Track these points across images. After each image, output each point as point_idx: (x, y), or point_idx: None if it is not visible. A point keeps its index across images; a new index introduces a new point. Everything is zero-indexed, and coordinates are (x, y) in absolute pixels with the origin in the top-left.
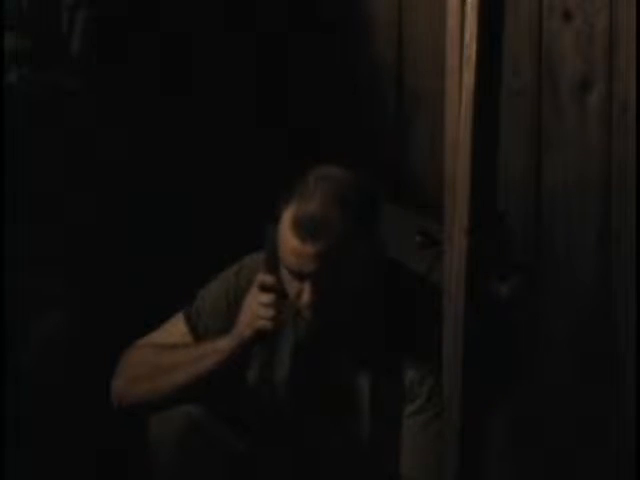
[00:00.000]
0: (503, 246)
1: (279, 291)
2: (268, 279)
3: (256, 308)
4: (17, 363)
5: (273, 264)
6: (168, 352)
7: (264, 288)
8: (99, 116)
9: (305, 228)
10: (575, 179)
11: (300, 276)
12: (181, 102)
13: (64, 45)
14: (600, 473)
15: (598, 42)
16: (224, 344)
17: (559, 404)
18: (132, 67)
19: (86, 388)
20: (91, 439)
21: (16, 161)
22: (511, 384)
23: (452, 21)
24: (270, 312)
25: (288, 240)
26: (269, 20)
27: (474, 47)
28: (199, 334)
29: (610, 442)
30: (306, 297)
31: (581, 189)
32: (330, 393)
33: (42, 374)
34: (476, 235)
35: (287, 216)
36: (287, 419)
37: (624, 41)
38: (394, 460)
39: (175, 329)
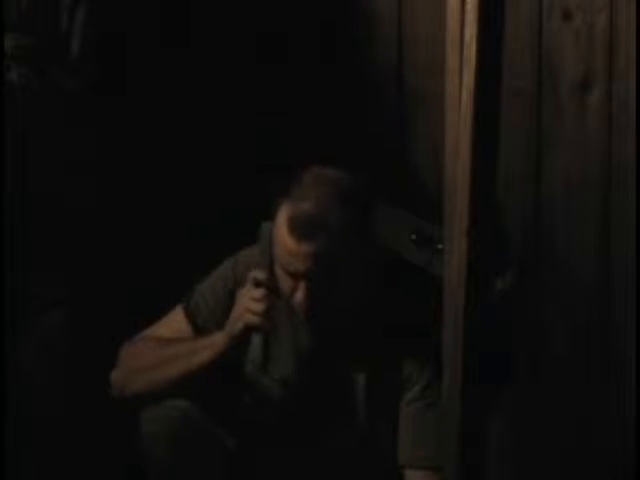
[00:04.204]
0: (500, 244)
1: (272, 287)
2: (261, 275)
3: (247, 302)
4: (17, 363)
5: (267, 261)
6: (167, 345)
7: (257, 284)
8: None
9: (301, 227)
10: (575, 179)
11: (295, 275)
12: (180, 98)
13: (64, 45)
14: (600, 473)
15: (598, 42)
16: (218, 338)
17: (559, 404)
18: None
19: (86, 388)
20: (91, 439)
21: (16, 161)
22: (510, 381)
23: (452, 21)
24: (260, 306)
25: (284, 239)
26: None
27: (474, 47)
28: (198, 327)
29: (610, 442)
30: (300, 296)
31: (581, 189)
32: (327, 390)
33: (42, 374)
34: (475, 235)
35: (282, 215)
36: (284, 416)
37: (624, 41)
38: (392, 452)
39: (174, 322)
